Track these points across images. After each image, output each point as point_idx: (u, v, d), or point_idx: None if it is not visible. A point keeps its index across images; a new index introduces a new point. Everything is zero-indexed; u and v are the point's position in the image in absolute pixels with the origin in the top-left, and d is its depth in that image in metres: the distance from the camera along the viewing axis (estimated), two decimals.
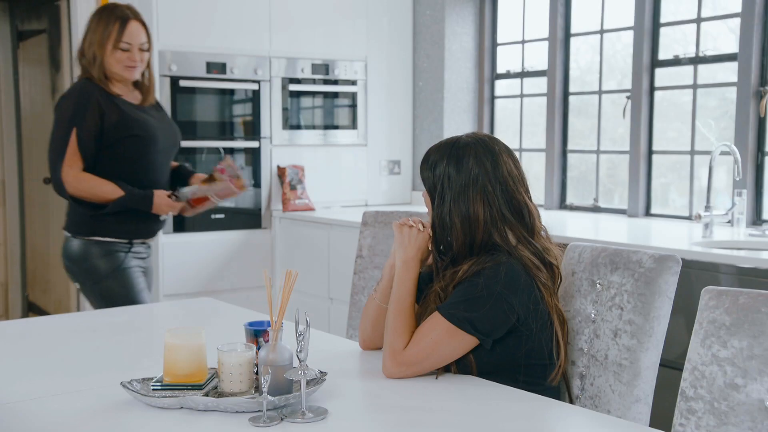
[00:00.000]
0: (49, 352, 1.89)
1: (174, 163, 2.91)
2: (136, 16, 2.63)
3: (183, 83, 3.80)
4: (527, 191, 1.73)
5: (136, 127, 2.62)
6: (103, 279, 2.61)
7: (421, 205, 4.07)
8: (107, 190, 2.58)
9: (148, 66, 2.71)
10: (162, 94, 3.75)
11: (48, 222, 4.84)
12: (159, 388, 1.50)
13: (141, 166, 2.66)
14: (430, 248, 1.74)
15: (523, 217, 1.70)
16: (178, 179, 2.89)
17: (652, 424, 1.63)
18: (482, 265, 1.64)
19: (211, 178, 2.81)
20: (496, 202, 1.68)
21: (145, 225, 2.70)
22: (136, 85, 2.72)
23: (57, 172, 2.56)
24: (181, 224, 3.84)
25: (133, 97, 2.70)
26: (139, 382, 1.53)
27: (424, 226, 1.73)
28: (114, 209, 2.58)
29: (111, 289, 2.61)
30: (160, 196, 2.64)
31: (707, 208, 3.12)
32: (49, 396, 1.55)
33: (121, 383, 1.51)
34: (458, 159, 1.69)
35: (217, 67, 3.89)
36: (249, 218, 4.04)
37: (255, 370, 1.52)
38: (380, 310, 1.78)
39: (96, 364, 1.80)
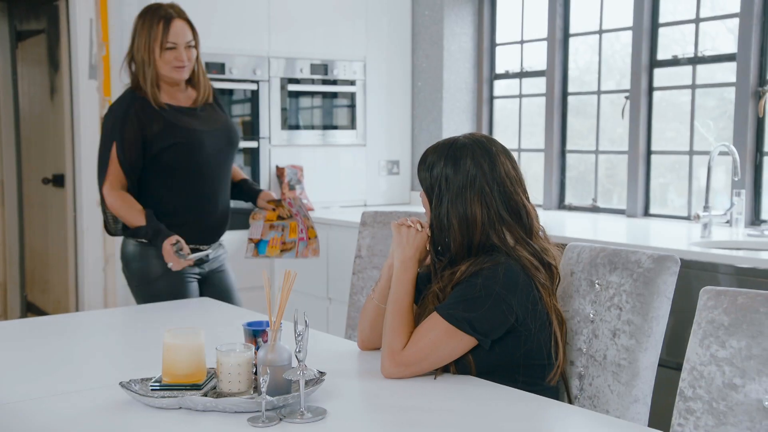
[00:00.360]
0: (47, 353, 1.89)
1: (238, 174, 2.77)
2: (180, 14, 2.53)
3: None
4: (525, 192, 1.74)
5: (178, 135, 2.52)
6: (153, 280, 2.56)
7: (420, 206, 4.08)
8: (133, 216, 2.50)
9: (198, 63, 2.60)
10: None
11: (46, 222, 4.84)
12: (158, 388, 1.50)
13: (188, 175, 2.55)
14: (428, 249, 1.74)
15: (521, 218, 1.70)
16: (241, 195, 2.78)
17: (650, 424, 1.63)
18: (481, 266, 1.64)
19: (279, 204, 2.70)
20: (493, 203, 1.68)
21: (197, 229, 2.59)
22: (192, 83, 2.62)
23: (99, 186, 2.56)
24: None
25: (186, 98, 2.61)
26: (138, 383, 1.53)
27: (422, 227, 1.73)
28: (133, 235, 2.54)
29: (160, 291, 2.54)
30: (168, 242, 2.45)
31: (706, 208, 3.12)
32: (47, 396, 1.55)
33: (120, 383, 1.51)
34: (456, 160, 1.69)
35: (215, 67, 3.89)
36: (247, 218, 4.03)
37: (254, 371, 1.52)
38: (379, 311, 1.78)
39: (95, 365, 1.80)
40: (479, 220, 1.67)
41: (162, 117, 2.52)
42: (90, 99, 4.01)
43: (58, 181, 4.54)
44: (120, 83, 4.01)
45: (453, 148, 1.71)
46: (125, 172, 2.51)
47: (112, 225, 2.65)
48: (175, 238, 2.45)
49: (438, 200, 1.70)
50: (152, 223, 2.48)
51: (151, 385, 1.50)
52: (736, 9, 3.27)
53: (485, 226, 1.67)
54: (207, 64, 3.86)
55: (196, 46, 2.57)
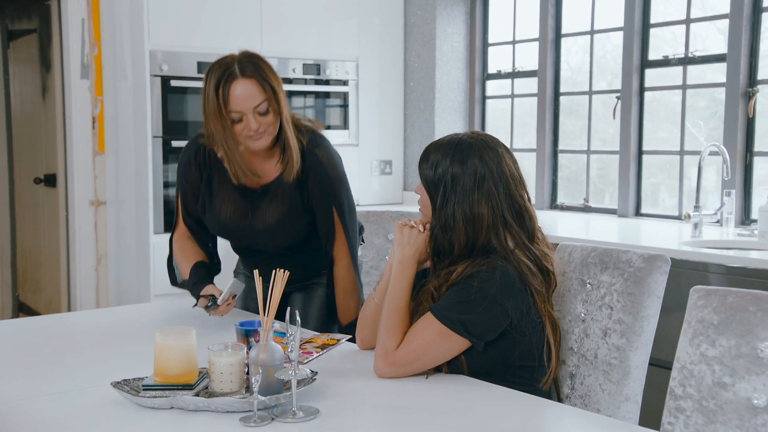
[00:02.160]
0: (39, 353, 1.88)
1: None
2: (245, 70, 1.96)
3: (174, 83, 3.79)
4: (527, 193, 1.73)
5: (209, 219, 2.16)
6: None
7: (412, 205, 4.08)
8: (182, 268, 2.20)
9: (285, 125, 2.02)
10: (153, 93, 3.75)
11: (38, 222, 4.82)
12: (149, 388, 1.49)
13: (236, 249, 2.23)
14: (427, 251, 1.73)
15: (524, 221, 1.69)
16: None
17: (641, 423, 1.64)
18: (477, 268, 1.63)
19: None
20: (499, 205, 1.66)
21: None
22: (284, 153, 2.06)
23: (171, 235, 2.29)
24: (172, 224, 3.82)
25: (264, 171, 2.08)
26: (130, 383, 1.52)
27: (424, 228, 1.72)
28: (181, 286, 2.25)
29: None
30: (201, 301, 2.08)
31: (696, 207, 3.14)
32: (39, 396, 1.54)
33: (112, 383, 1.51)
34: (463, 159, 1.67)
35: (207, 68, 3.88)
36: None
37: (246, 370, 1.52)
38: (379, 310, 1.76)
39: (86, 365, 1.79)
40: (485, 222, 1.65)
41: (200, 180, 2.16)
42: (82, 98, 4.00)
43: (50, 180, 4.52)
44: (113, 83, 4.00)
45: (460, 147, 1.68)
46: (188, 226, 2.22)
47: (176, 276, 2.31)
48: (209, 295, 2.07)
49: (443, 200, 1.67)
50: (193, 276, 2.15)
51: (143, 385, 1.50)
52: (726, 10, 3.29)
53: (489, 227, 1.66)
54: (199, 63, 3.86)
55: (277, 105, 1.99)
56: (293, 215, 2.08)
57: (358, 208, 2.25)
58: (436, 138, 1.78)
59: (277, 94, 2.00)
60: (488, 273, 1.61)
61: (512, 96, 4.32)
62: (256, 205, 2.09)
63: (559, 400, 1.78)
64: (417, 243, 1.71)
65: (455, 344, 1.62)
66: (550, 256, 1.71)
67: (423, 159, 1.73)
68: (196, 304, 2.11)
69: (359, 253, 2.25)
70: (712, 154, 3.22)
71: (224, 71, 1.98)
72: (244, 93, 1.96)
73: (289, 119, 2.05)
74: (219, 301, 2.02)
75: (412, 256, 1.71)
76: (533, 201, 4.23)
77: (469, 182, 1.65)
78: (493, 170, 1.67)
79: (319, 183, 2.05)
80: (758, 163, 3.27)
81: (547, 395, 1.72)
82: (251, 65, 1.99)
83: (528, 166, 4.16)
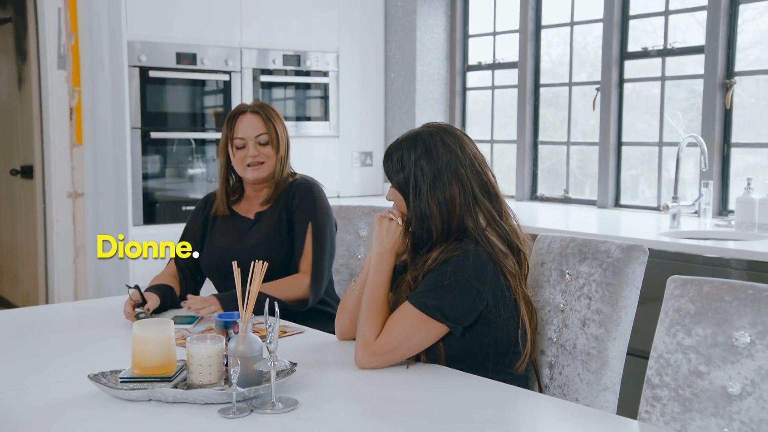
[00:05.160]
0: (16, 346, 1.87)
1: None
2: (254, 109, 2.30)
3: (153, 74, 3.76)
4: (492, 173, 1.77)
5: (202, 250, 2.34)
6: None
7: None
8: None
9: (281, 160, 2.31)
10: (131, 85, 3.71)
11: (15, 215, 4.77)
12: (127, 380, 1.49)
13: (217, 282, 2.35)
14: (407, 244, 1.74)
15: (492, 197, 1.72)
16: None
17: (619, 412, 1.66)
18: (451, 254, 1.65)
19: None
20: (468, 183, 1.70)
21: None
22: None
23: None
24: (151, 216, 3.80)
25: (257, 203, 2.34)
26: (107, 375, 1.51)
27: (403, 221, 1.74)
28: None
29: None
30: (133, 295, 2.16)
31: (675, 198, 3.16)
32: (16, 389, 1.53)
33: (89, 376, 1.49)
34: (427, 150, 1.70)
35: (187, 58, 3.85)
36: None
37: (224, 362, 1.51)
38: (359, 302, 1.77)
39: (64, 357, 1.78)
40: (457, 202, 1.68)
41: (204, 224, 2.37)
42: (59, 89, 3.96)
43: (27, 172, 4.47)
44: (90, 73, 3.96)
45: (420, 139, 1.72)
46: (177, 263, 2.34)
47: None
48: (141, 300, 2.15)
49: (416, 192, 1.70)
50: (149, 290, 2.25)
51: (121, 378, 1.49)
52: (704, 2, 3.31)
53: (462, 207, 1.68)
54: (178, 54, 3.83)
55: (276, 142, 2.29)
56: (278, 233, 2.29)
57: (339, 200, 2.33)
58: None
59: (277, 134, 2.30)
60: (461, 258, 1.63)
61: (493, 87, 4.33)
62: (249, 227, 2.33)
63: (540, 388, 1.79)
64: (396, 236, 1.72)
65: (434, 330, 1.62)
66: (519, 233, 1.74)
67: (386, 160, 1.76)
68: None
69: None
70: (690, 145, 3.25)
71: (236, 109, 2.34)
72: (249, 123, 2.29)
73: (287, 163, 2.35)
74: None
75: (390, 248, 1.72)
76: (514, 192, 4.26)
77: (437, 168, 1.69)
78: (458, 153, 1.70)
79: (303, 202, 2.30)
80: (735, 154, 3.30)
81: (525, 382, 1.74)
82: (261, 106, 2.33)
83: (508, 158, 4.17)
